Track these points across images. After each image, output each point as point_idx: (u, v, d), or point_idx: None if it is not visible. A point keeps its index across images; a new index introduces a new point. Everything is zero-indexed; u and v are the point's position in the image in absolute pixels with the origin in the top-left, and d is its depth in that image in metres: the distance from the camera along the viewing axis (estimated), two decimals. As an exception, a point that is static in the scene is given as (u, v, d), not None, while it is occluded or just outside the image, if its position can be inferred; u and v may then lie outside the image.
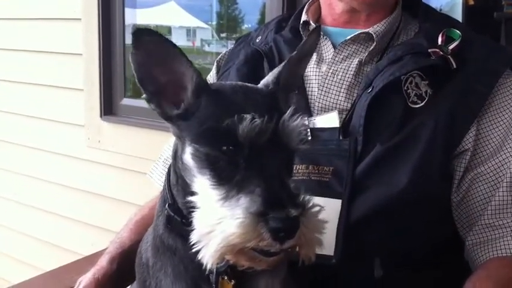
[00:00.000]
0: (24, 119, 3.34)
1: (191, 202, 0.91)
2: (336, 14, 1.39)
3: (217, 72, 1.55)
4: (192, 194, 0.92)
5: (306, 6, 1.46)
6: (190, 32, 5.10)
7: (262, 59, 1.42)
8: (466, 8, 2.97)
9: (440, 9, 3.30)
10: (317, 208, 0.89)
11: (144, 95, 0.95)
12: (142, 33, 0.88)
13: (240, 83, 1.03)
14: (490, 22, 2.86)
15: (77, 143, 3.02)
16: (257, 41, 1.48)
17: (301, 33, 1.42)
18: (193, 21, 4.79)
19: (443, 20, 1.37)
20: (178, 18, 4.74)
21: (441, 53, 1.25)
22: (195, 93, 0.94)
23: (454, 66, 1.25)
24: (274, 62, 1.40)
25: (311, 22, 1.41)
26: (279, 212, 0.82)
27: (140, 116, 2.73)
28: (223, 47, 4.59)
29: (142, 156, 2.66)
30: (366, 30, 1.34)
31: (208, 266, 0.87)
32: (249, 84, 1.01)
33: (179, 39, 5.16)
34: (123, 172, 2.83)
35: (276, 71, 1.03)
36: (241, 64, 1.44)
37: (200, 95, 0.93)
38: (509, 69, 1.30)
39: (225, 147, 0.88)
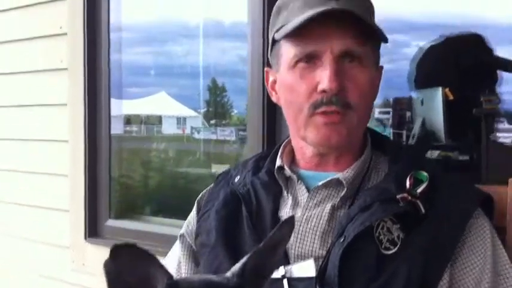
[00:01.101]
0: (7, 238, 3.33)
1: None
2: (307, 157, 1.43)
3: (198, 212, 1.56)
4: None
5: (280, 149, 1.50)
6: (181, 120, 5.21)
7: (240, 201, 1.44)
8: (446, 102, 3.05)
9: (422, 101, 3.40)
10: None
11: None
12: (120, 247, 0.88)
13: (208, 278, 1.03)
14: (469, 117, 2.93)
15: (62, 265, 2.98)
16: (236, 180, 1.50)
17: (276, 177, 1.45)
18: (183, 110, 4.91)
19: (412, 161, 1.40)
20: (168, 107, 4.85)
21: (409, 197, 1.28)
22: None
23: (423, 211, 1.27)
24: (251, 206, 1.42)
25: (285, 167, 1.45)
26: None
27: (125, 238, 2.72)
28: (212, 134, 4.68)
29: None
30: (336, 176, 1.38)
31: None
32: (216, 280, 0.99)
33: (169, 128, 5.29)
34: (109, 298, 2.77)
35: (242, 261, 1.00)
36: (220, 207, 1.46)
37: None
38: (478, 208, 1.33)
39: None
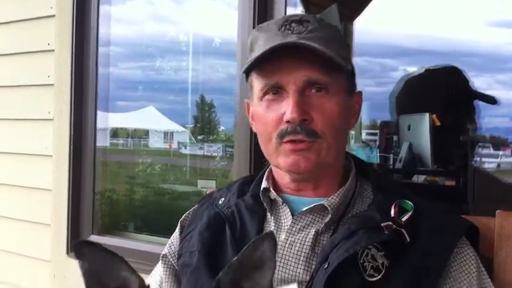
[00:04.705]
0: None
1: None
2: (285, 183, 1.44)
3: (181, 233, 1.55)
4: None
5: (266, 173, 1.50)
6: (168, 135, 5.21)
7: (224, 222, 1.44)
8: (433, 128, 3.07)
9: (409, 126, 3.41)
10: None
11: None
12: (82, 244, 0.95)
13: None
14: (456, 143, 2.95)
15: (43, 279, 2.95)
16: (220, 202, 1.50)
17: (261, 199, 1.45)
18: (170, 125, 4.92)
19: (395, 191, 1.40)
20: (156, 121, 4.86)
21: (394, 226, 1.28)
22: None
23: (408, 239, 1.27)
24: (235, 227, 1.41)
25: (271, 189, 1.44)
26: None
27: None
28: (199, 149, 4.68)
29: (108, 295, 2.63)
30: (321, 202, 1.37)
31: None
32: None
33: (156, 142, 5.29)
34: (89, 311, 2.76)
35: (217, 277, 1.00)
36: (204, 228, 1.45)
37: None
38: (463, 238, 1.33)
39: None
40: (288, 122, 1.32)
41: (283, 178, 1.44)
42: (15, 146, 3.18)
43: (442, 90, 3.00)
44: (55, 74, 2.97)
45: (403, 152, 3.20)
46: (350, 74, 1.42)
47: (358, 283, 1.24)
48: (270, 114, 1.36)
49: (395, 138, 3.55)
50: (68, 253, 2.84)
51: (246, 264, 0.99)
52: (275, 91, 1.35)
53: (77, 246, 0.94)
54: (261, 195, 1.45)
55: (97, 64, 2.96)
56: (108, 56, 3.22)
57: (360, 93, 1.46)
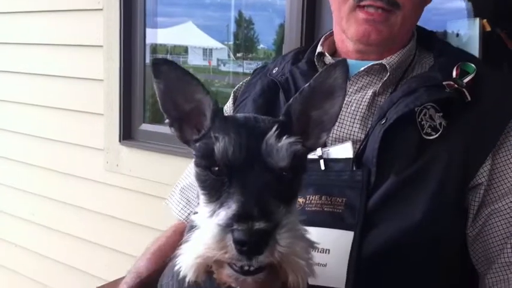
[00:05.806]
0: (43, 141, 3.37)
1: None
2: (348, 50, 1.42)
3: (234, 102, 1.57)
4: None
5: (321, 39, 1.48)
6: (207, 52, 5.17)
7: (278, 90, 1.44)
8: (483, 34, 2.96)
9: (458, 34, 3.31)
10: (291, 226, 0.87)
11: (166, 120, 1.00)
12: (160, 63, 0.94)
13: (256, 115, 1.03)
14: (507, 50, 2.85)
15: (96, 166, 3.04)
16: (274, 72, 1.50)
17: (316, 64, 1.44)
18: (209, 41, 4.86)
19: (458, 54, 1.38)
20: (195, 38, 4.80)
21: (456, 85, 1.26)
22: (211, 120, 0.97)
23: (469, 99, 1.26)
24: (290, 93, 1.41)
25: (326, 54, 1.43)
26: (243, 224, 0.83)
27: (159, 141, 2.75)
28: (239, 67, 4.65)
29: (159, 181, 2.69)
30: (380, 61, 1.36)
31: (187, 278, 0.87)
32: (263, 116, 1.00)
33: (195, 59, 5.25)
34: (141, 196, 2.85)
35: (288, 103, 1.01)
36: (258, 95, 1.46)
37: (214, 121, 0.96)
38: None
39: (213, 168, 0.91)
40: None
41: (346, 43, 1.42)
42: (66, 37, 3.18)
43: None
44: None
45: (450, 60, 3.12)
46: None
47: (415, 140, 1.25)
48: None
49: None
50: (120, 141, 2.91)
51: (317, 91, 0.99)
52: None
53: (155, 64, 0.94)
54: (315, 60, 1.44)
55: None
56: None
57: None
